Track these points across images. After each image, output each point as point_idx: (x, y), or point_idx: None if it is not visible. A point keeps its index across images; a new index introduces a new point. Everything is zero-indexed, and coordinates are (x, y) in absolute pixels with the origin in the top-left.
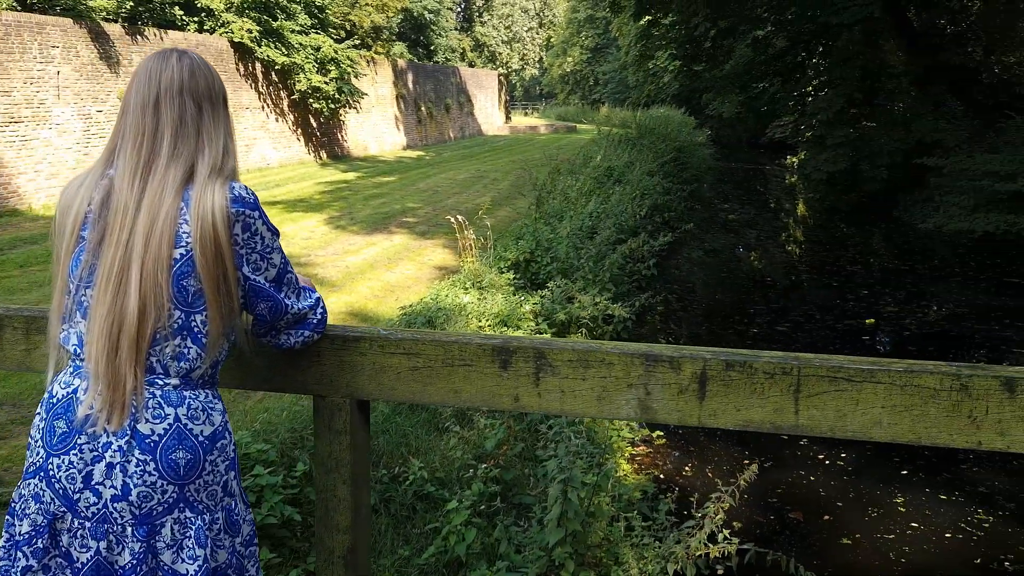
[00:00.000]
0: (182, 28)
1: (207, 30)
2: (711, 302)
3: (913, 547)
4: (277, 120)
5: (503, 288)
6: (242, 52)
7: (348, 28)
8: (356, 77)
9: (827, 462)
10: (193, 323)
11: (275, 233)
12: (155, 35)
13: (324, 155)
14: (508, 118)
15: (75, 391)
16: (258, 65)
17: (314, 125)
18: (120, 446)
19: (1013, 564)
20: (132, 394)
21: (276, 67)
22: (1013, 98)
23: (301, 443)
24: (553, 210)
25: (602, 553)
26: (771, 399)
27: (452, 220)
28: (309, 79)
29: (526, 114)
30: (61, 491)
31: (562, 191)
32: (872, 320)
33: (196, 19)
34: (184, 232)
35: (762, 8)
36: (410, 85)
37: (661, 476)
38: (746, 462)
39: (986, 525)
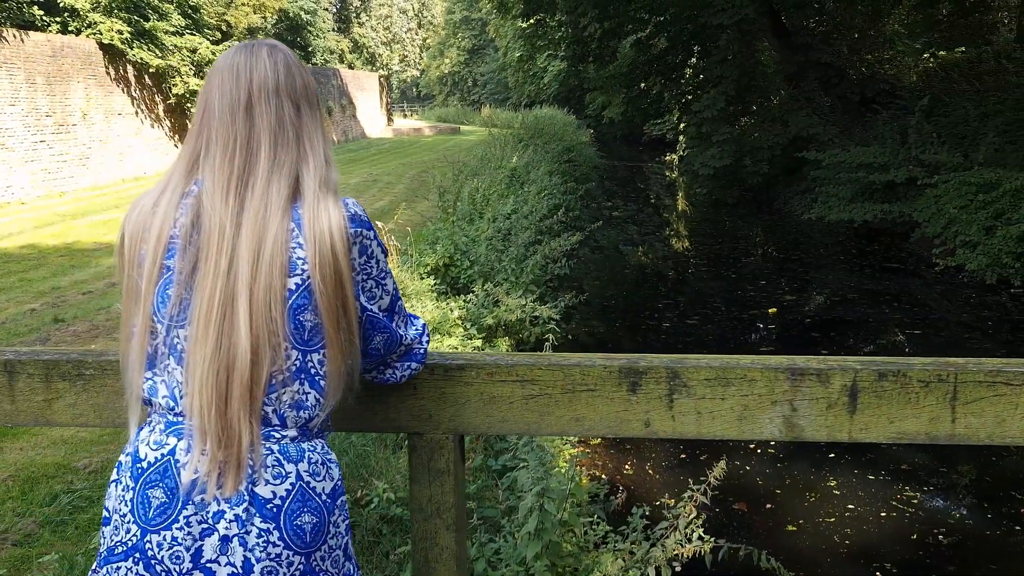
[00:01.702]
0: (43, 29)
1: (72, 31)
2: (621, 298)
3: (853, 528)
4: (153, 126)
5: (426, 294)
6: (112, 54)
7: (224, 29)
8: None
9: (759, 451)
10: (310, 364)
11: (386, 254)
12: (15, 36)
13: None
14: (390, 120)
15: (172, 452)
16: (130, 68)
17: None
18: (237, 515)
19: (945, 536)
20: (248, 451)
21: (150, 70)
22: (877, 94)
23: None
24: (462, 213)
25: (575, 562)
26: (926, 408)
27: None
28: (186, 82)
29: (405, 116)
30: (164, 574)
31: (470, 193)
32: (774, 309)
33: (58, 19)
34: (298, 258)
35: (643, 10)
36: None
37: (603, 477)
38: (683, 456)
39: (915, 501)
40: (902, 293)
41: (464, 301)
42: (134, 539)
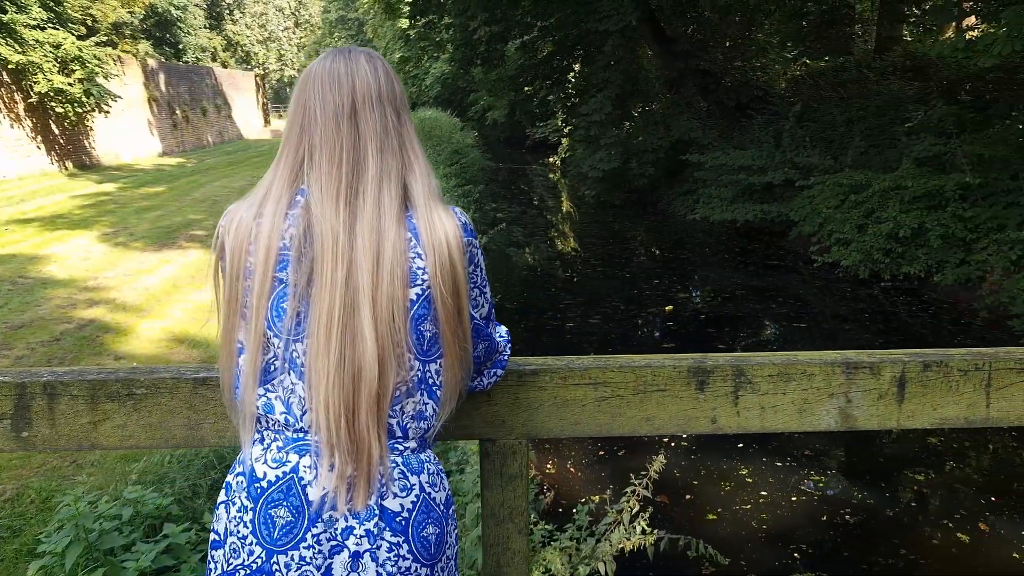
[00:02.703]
0: None
1: None
2: (519, 301)
3: (768, 513)
4: (12, 126)
5: None
6: None
7: (89, 24)
8: (106, 78)
9: (673, 445)
10: (429, 375)
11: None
12: None
13: (70, 165)
14: (267, 121)
15: (295, 470)
16: None
17: (56, 132)
18: (368, 530)
19: (851, 516)
20: (379, 464)
21: (9, 66)
22: (751, 99)
23: (202, 492)
24: None
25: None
26: (965, 395)
27: None
28: (50, 80)
29: (280, 116)
30: None
31: None
32: (671, 307)
33: None
34: (418, 268)
35: (529, 15)
36: (163, 87)
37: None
38: (602, 453)
39: (820, 485)
40: (784, 289)
41: None
42: (259, 561)
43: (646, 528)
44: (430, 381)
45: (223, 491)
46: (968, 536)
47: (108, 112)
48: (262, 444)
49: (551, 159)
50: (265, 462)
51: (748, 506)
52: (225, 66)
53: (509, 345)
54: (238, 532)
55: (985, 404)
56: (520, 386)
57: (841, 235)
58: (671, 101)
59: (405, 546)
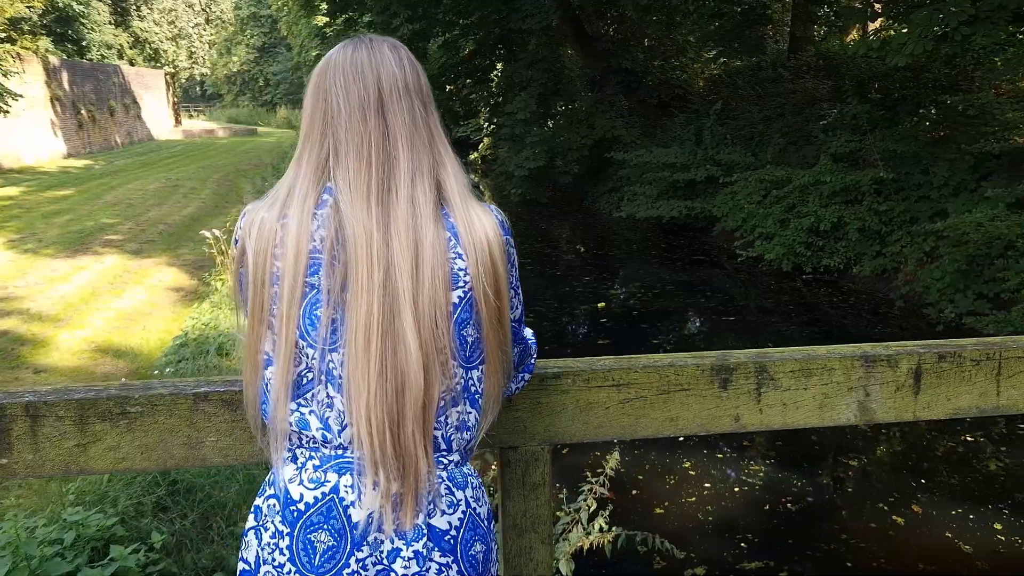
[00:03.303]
0: None
1: None
2: None
3: (712, 504)
4: None
5: None
6: None
7: None
8: (5, 76)
9: (615, 441)
10: (471, 383)
11: None
12: None
13: None
14: (178, 121)
15: (335, 490)
16: None
17: None
18: (416, 551)
19: (792, 504)
20: (426, 480)
21: None
22: (672, 98)
23: (147, 511)
24: None
25: None
26: (977, 384)
27: (208, 235)
28: None
29: (191, 116)
30: None
31: None
32: (603, 304)
33: None
34: (460, 269)
35: (450, 12)
36: (66, 85)
37: None
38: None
39: (761, 474)
40: (711, 283)
41: None
42: None
43: (604, 526)
44: (472, 389)
45: (251, 516)
46: (903, 518)
47: (7, 111)
48: (295, 463)
49: (472, 156)
50: (301, 483)
51: (693, 499)
52: (133, 64)
53: (536, 349)
54: (273, 560)
55: (996, 392)
56: (542, 390)
57: (764, 230)
58: (594, 100)
59: (455, 567)
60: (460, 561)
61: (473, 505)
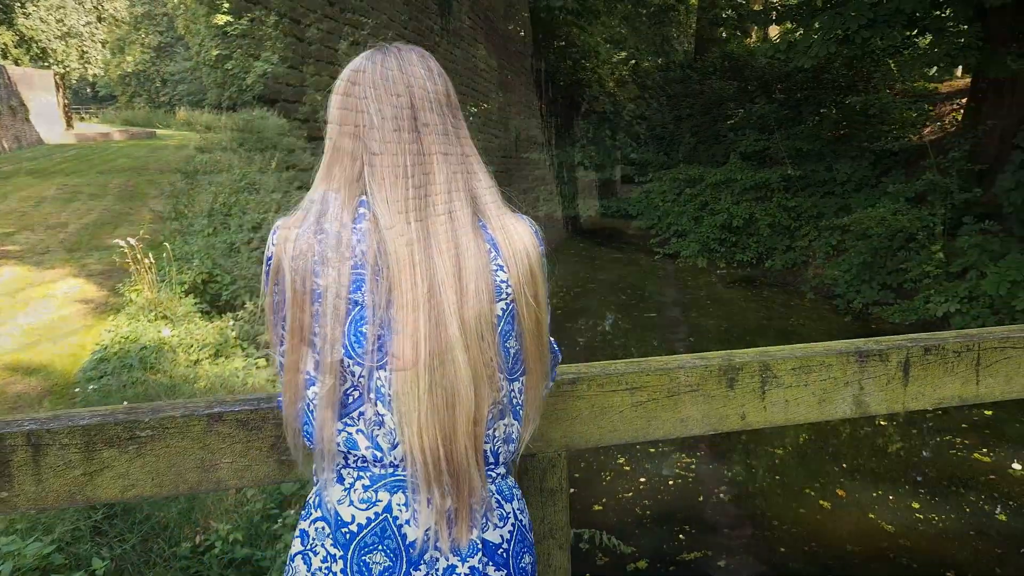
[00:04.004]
0: None
1: None
2: None
3: (649, 498)
4: None
5: (190, 315)
6: None
7: None
8: None
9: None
10: (514, 395)
11: None
12: None
13: None
14: (70, 124)
15: (388, 509)
16: None
17: None
18: (472, 567)
19: (724, 493)
20: (479, 495)
21: None
22: (584, 99)
23: (84, 536)
24: (203, 224)
25: None
26: (959, 374)
27: (122, 243)
28: None
29: (83, 119)
30: None
31: (219, 201)
32: None
33: None
34: (502, 281)
35: (358, 12)
36: None
37: None
38: None
39: (693, 467)
40: (630, 281)
41: (233, 319)
42: None
43: None
44: (515, 401)
45: (297, 540)
46: (829, 502)
47: None
48: (342, 484)
49: None
50: (351, 504)
51: (630, 494)
52: (18, 64)
53: (560, 356)
54: None
55: (975, 381)
56: (558, 396)
57: (679, 227)
58: (507, 101)
59: None
60: (513, 574)
61: (520, 517)
